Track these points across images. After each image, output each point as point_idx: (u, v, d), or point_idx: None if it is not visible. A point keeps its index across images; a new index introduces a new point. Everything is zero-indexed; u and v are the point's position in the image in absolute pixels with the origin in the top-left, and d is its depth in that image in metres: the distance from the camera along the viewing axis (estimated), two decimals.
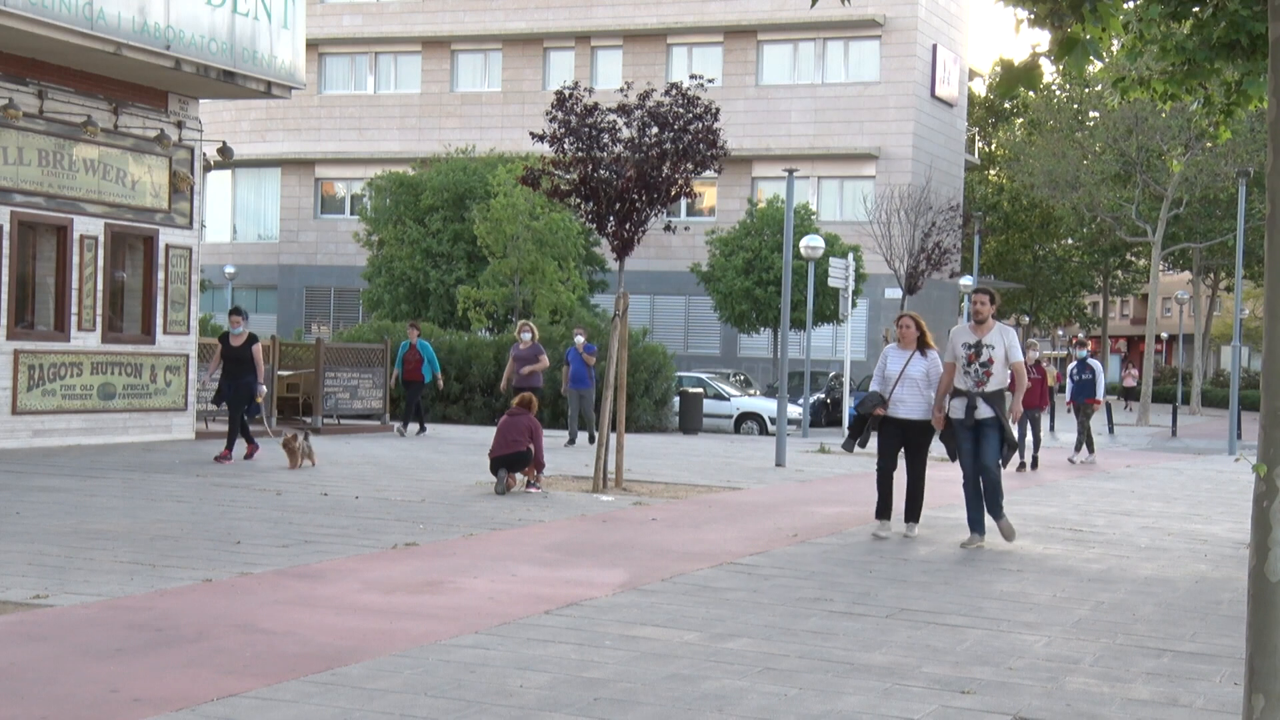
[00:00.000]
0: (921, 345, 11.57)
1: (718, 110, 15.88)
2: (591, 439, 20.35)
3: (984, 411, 10.99)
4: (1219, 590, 9.66)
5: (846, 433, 12.07)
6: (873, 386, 11.64)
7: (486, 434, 18.32)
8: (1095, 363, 22.13)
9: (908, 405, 11.45)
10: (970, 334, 11.16)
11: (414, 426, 23.80)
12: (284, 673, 6.26)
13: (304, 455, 16.01)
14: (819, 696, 6.16)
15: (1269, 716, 4.78)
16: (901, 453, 11.73)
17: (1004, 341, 11.08)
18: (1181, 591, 9.56)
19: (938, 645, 7.33)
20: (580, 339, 21.81)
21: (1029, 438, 20.18)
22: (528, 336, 21.08)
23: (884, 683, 6.45)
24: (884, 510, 11.71)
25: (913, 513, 11.78)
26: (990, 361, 11.00)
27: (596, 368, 22.06)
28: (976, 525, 11.29)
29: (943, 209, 28.32)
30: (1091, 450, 21.95)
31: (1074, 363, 22.25)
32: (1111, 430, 34.29)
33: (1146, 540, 12.35)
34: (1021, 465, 19.85)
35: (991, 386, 11.02)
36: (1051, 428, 32.73)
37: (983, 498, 11.19)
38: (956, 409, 11.10)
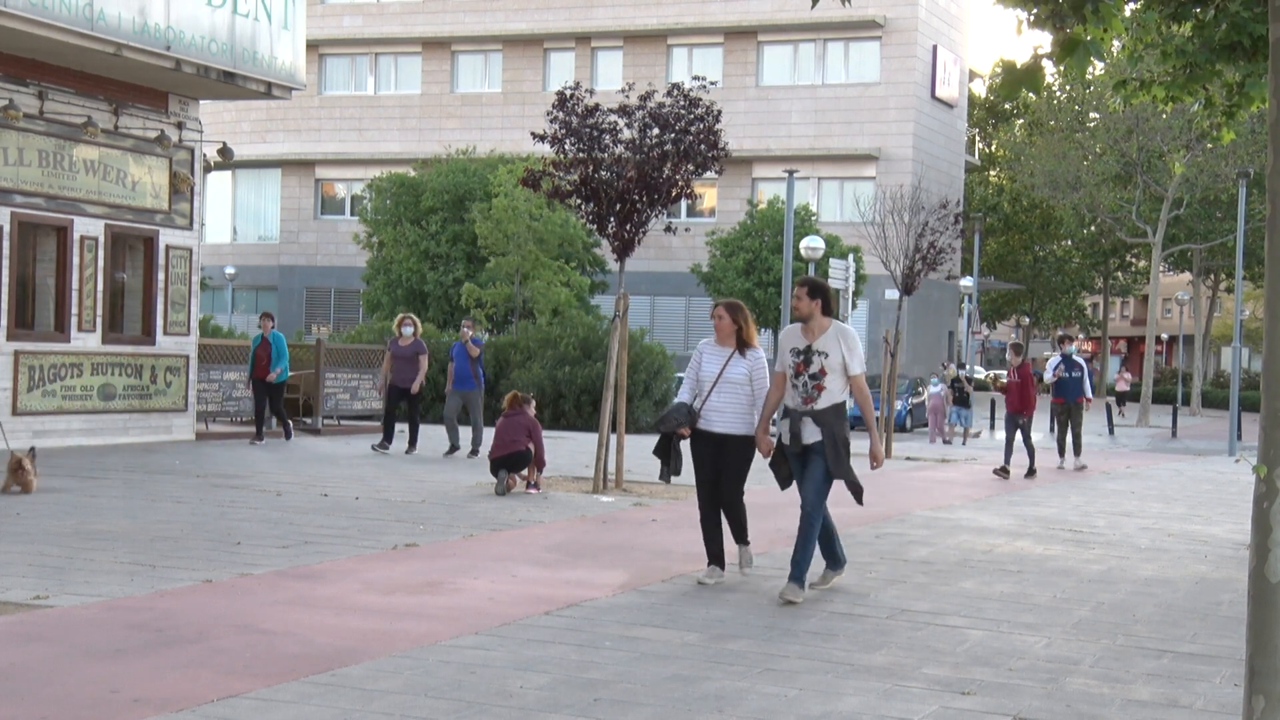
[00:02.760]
0: (742, 343, 9.15)
1: (719, 112, 15.88)
2: (476, 451, 18.39)
3: (811, 434, 8.58)
4: (1219, 591, 9.66)
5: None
6: (682, 394, 9.24)
7: (485, 435, 18.31)
8: (1082, 360, 20.91)
9: (725, 417, 9.01)
10: (799, 337, 8.69)
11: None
12: (284, 673, 6.26)
13: (18, 479, 12.65)
14: (819, 697, 6.16)
15: (1269, 717, 4.78)
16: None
17: (842, 347, 8.59)
18: (1182, 592, 9.56)
19: (938, 646, 7.33)
20: (467, 332, 19.17)
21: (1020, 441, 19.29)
22: (409, 331, 18.97)
23: (884, 683, 6.45)
24: (713, 554, 9.26)
25: (740, 532, 9.38)
26: (822, 373, 8.56)
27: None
28: (830, 560, 9.12)
29: (935, 209, 28.25)
30: (1079, 453, 20.97)
31: (1057, 358, 20.74)
32: (1112, 431, 34.30)
33: (1147, 541, 12.34)
34: (1004, 470, 18.98)
35: (823, 403, 8.58)
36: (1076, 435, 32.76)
37: (831, 535, 8.96)
38: (783, 431, 8.76)
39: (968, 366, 39.55)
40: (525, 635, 7.25)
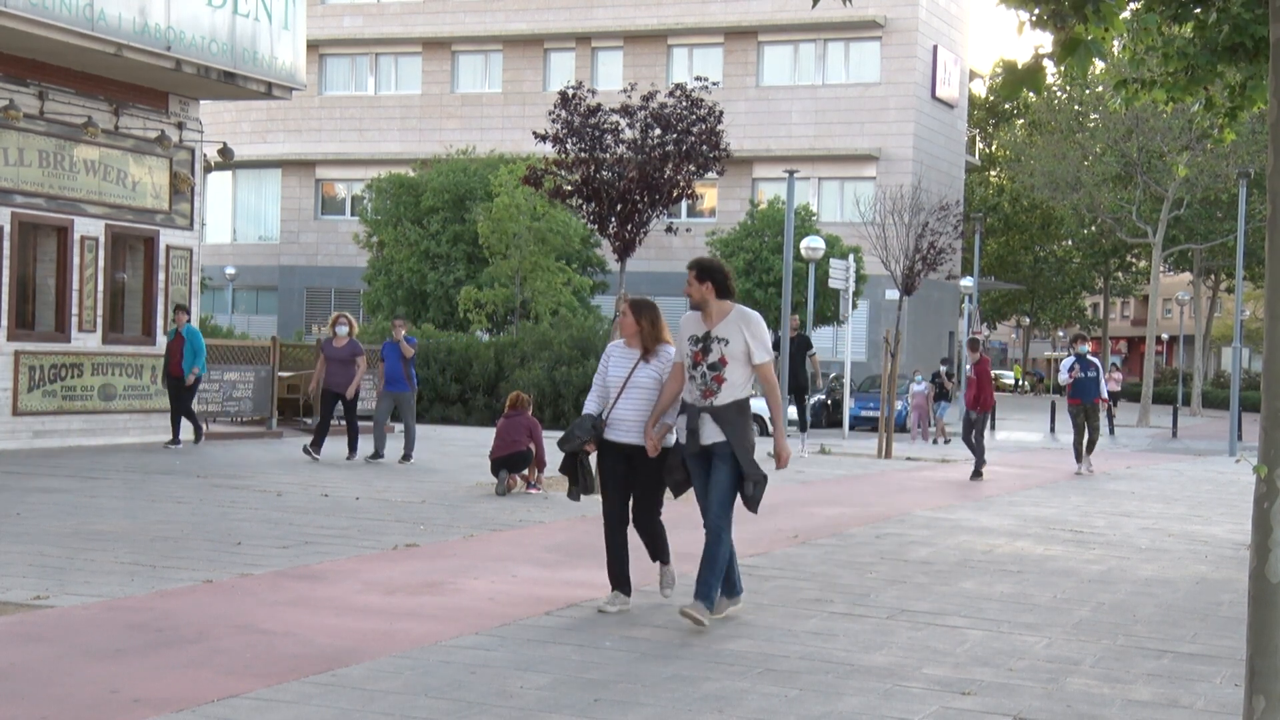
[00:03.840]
0: (650, 344, 8.05)
1: (721, 113, 15.89)
2: (408, 456, 17.39)
3: (711, 434, 7.62)
4: (1219, 591, 9.66)
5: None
6: (589, 402, 8.16)
7: (486, 435, 18.31)
8: (1096, 359, 20.30)
9: (634, 426, 7.94)
10: (697, 323, 7.76)
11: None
12: (284, 673, 6.26)
13: None
14: (819, 697, 6.16)
15: (1269, 718, 4.78)
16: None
17: (745, 333, 7.66)
18: (1182, 593, 9.56)
19: (938, 646, 7.33)
20: (400, 331, 17.71)
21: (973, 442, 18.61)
22: (344, 331, 17.66)
23: (884, 684, 6.45)
24: (616, 577, 8.16)
25: (658, 551, 8.35)
26: (722, 362, 7.61)
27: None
28: (727, 588, 8.02)
29: (934, 209, 28.29)
30: (1091, 451, 20.39)
31: (1071, 359, 20.11)
32: (1112, 431, 34.29)
33: (1147, 541, 12.35)
34: (977, 474, 18.22)
35: (724, 398, 7.60)
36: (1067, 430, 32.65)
37: (729, 558, 7.89)
38: (679, 430, 7.83)
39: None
40: (525, 635, 7.25)
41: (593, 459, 8.24)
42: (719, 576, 7.68)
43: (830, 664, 6.83)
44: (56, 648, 6.59)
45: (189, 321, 18.39)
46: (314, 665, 6.43)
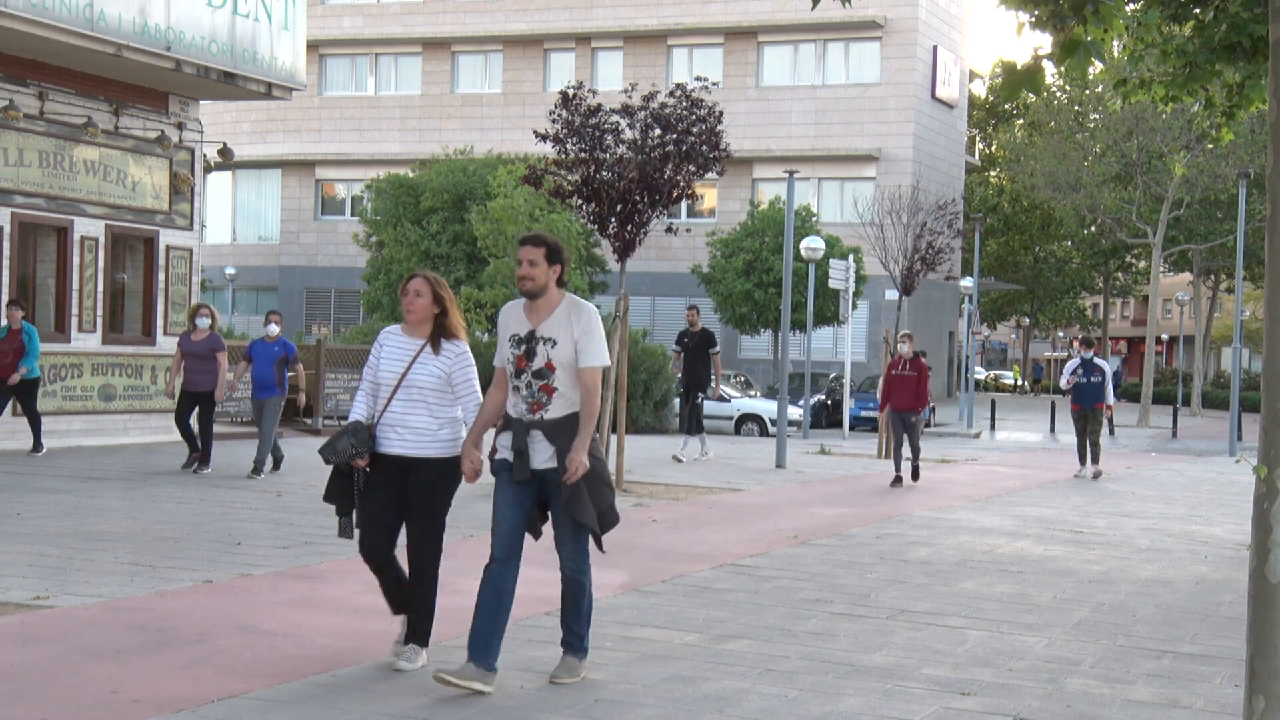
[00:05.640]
0: (442, 329, 6.61)
1: (721, 113, 15.89)
2: (257, 470, 15.16)
3: (543, 457, 6.17)
4: (1219, 592, 9.66)
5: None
6: (356, 405, 6.64)
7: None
8: (1104, 363, 19.63)
9: (409, 434, 6.48)
10: (520, 318, 6.29)
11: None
12: (284, 674, 6.27)
13: None
14: (819, 698, 6.16)
15: (1269, 718, 4.78)
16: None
17: (574, 331, 6.17)
18: (1182, 593, 9.56)
19: (938, 647, 7.34)
20: (273, 329, 15.70)
21: (906, 447, 17.47)
22: (204, 324, 15.43)
23: (884, 684, 6.46)
24: (397, 608, 6.71)
25: (418, 632, 6.57)
26: (550, 368, 6.17)
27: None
28: (478, 652, 6.12)
29: (934, 209, 28.29)
30: (1096, 460, 19.64)
31: (1075, 361, 19.58)
32: (1112, 432, 34.28)
33: (1147, 542, 12.35)
34: (898, 479, 17.00)
35: (556, 411, 6.16)
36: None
37: (582, 608, 6.39)
38: (503, 449, 6.27)
39: (968, 366, 39.50)
40: (525, 635, 7.25)
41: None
42: (587, 625, 6.42)
43: (830, 664, 6.84)
44: (56, 648, 6.59)
45: (25, 317, 16.23)
46: (314, 665, 6.43)
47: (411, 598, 6.53)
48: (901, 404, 17.06)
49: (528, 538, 6.33)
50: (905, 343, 17.36)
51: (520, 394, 6.21)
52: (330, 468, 6.58)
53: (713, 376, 19.30)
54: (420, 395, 6.47)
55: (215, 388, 15.36)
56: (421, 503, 6.47)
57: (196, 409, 15.51)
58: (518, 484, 6.19)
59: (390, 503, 6.47)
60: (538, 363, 6.17)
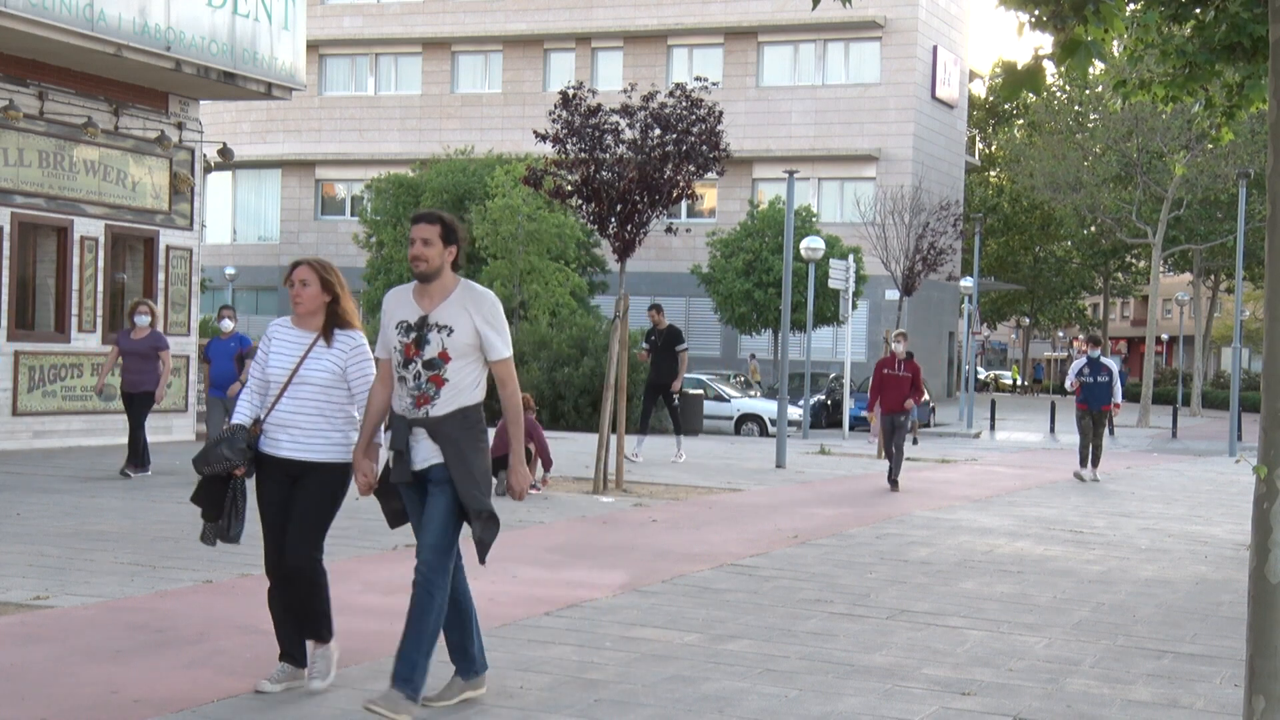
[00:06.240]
0: (335, 319, 6.14)
1: (721, 113, 15.89)
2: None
3: (427, 455, 5.66)
4: (1219, 592, 9.66)
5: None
6: (241, 405, 6.11)
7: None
8: (1111, 362, 19.03)
9: (300, 435, 5.98)
10: (410, 304, 5.77)
11: None
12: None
13: None
14: (819, 698, 6.16)
15: (1269, 718, 4.78)
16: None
17: (474, 319, 5.66)
18: (1182, 593, 9.56)
19: (938, 647, 7.33)
20: (227, 324, 15.12)
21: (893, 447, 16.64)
22: (144, 321, 14.67)
23: (884, 684, 6.45)
24: (288, 639, 6.09)
25: (309, 613, 6.07)
26: (443, 358, 5.64)
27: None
28: (462, 661, 5.97)
29: (934, 209, 28.34)
30: (1097, 464, 19.02)
31: (1081, 361, 18.94)
32: (1111, 432, 34.26)
33: (1147, 542, 12.35)
34: (894, 484, 16.31)
35: (445, 406, 5.63)
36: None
37: (467, 620, 5.96)
38: (386, 449, 5.87)
39: (968, 367, 39.50)
40: (525, 635, 7.25)
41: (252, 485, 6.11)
42: (427, 651, 5.58)
43: (830, 664, 6.84)
44: (56, 648, 6.59)
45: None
46: None
47: (302, 608, 6.00)
48: (891, 405, 16.51)
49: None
50: (900, 342, 16.88)
51: (406, 386, 5.66)
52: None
53: (678, 372, 19.06)
54: (311, 393, 5.96)
55: (155, 388, 14.54)
56: (306, 507, 5.96)
57: (131, 409, 14.67)
58: (405, 487, 5.72)
59: (282, 511, 5.99)
60: (430, 351, 5.62)
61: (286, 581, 5.97)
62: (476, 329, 5.63)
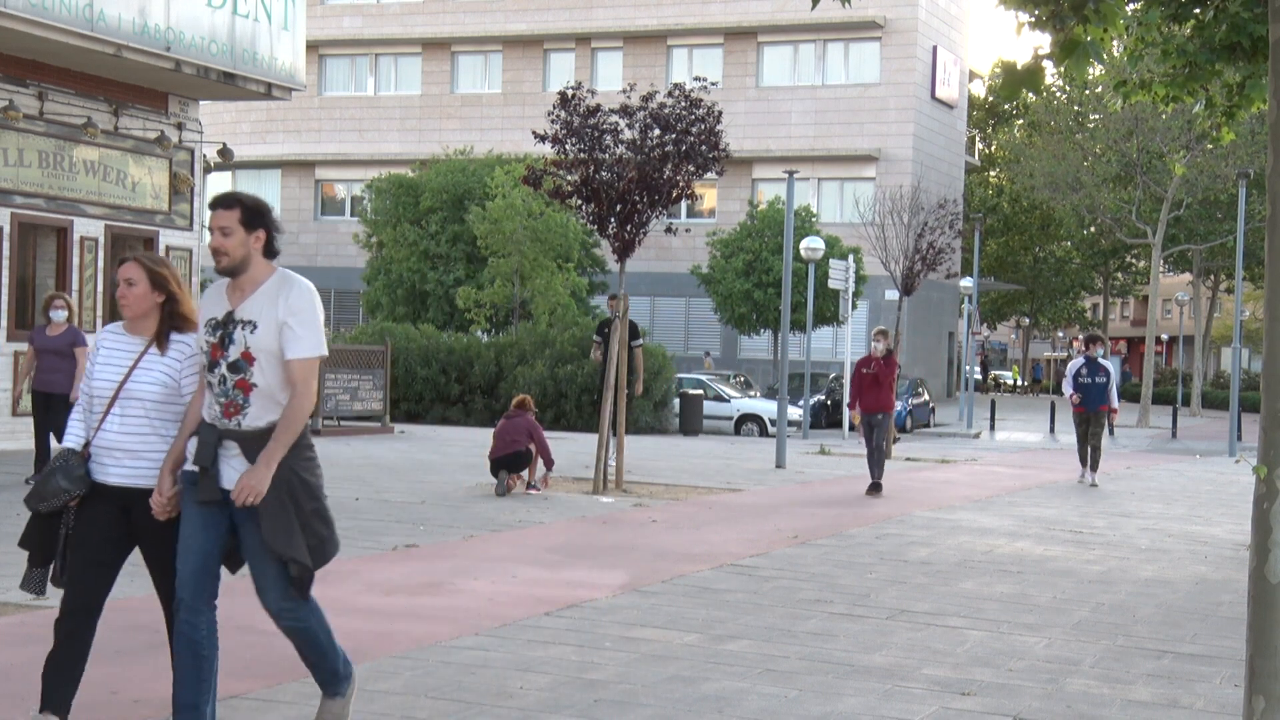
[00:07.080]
0: (171, 323, 5.21)
1: (720, 113, 15.88)
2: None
3: (235, 473, 4.94)
4: (1219, 592, 9.66)
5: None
6: (72, 423, 5.32)
7: (486, 435, 18.30)
8: (1108, 363, 18.57)
9: (133, 459, 5.11)
10: (222, 299, 5.09)
11: None
12: (283, 674, 6.27)
13: None
14: (819, 698, 6.16)
15: (1269, 718, 4.78)
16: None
17: (279, 313, 4.95)
18: (1182, 593, 9.56)
19: (938, 647, 7.34)
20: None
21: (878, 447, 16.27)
22: (60, 316, 13.39)
23: (884, 684, 6.45)
24: (52, 690, 5.22)
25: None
26: (247, 359, 4.94)
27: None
28: (327, 679, 5.29)
29: (933, 209, 28.31)
30: (1096, 467, 18.43)
31: (1079, 362, 18.39)
32: (1111, 432, 34.26)
33: (1147, 542, 12.35)
34: (875, 486, 15.83)
35: (256, 418, 4.94)
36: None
37: (319, 639, 5.20)
38: (189, 460, 5.01)
39: (968, 367, 39.50)
40: (525, 636, 7.25)
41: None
42: (333, 665, 5.22)
43: (830, 664, 6.84)
44: None
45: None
46: None
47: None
48: (870, 405, 16.06)
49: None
50: (880, 340, 16.31)
51: (214, 392, 4.95)
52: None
53: (633, 371, 16.81)
54: (142, 409, 5.09)
55: (70, 389, 12.95)
56: (156, 549, 5.16)
57: (48, 413, 13.45)
58: (204, 505, 4.93)
59: (109, 537, 5.11)
60: (234, 352, 4.90)
61: (93, 621, 5.17)
62: (281, 325, 4.90)
